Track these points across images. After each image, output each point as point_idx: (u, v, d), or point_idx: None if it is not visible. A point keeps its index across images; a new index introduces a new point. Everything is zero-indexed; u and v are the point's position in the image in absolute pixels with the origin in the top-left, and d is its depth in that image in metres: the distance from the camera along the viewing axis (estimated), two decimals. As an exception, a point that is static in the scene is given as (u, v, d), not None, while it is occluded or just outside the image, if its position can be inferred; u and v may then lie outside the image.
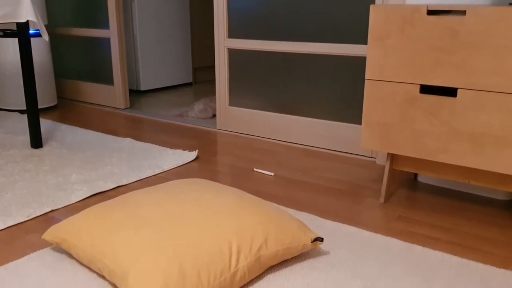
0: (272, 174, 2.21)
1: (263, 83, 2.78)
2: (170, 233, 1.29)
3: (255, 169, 2.27)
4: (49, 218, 1.75)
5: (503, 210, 1.84)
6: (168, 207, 1.42)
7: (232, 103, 2.93)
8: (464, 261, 1.45)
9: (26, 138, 2.73)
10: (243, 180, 2.15)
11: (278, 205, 1.85)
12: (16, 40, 3.27)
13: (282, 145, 2.69)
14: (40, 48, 3.35)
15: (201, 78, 4.78)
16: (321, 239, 1.41)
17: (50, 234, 1.46)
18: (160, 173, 2.22)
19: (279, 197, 1.96)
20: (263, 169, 2.27)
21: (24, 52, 2.41)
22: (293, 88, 2.67)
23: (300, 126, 2.66)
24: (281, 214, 1.45)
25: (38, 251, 1.49)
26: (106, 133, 2.88)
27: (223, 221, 1.35)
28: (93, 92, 3.75)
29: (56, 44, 3.95)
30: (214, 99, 3.48)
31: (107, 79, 3.63)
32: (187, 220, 1.35)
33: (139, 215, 1.39)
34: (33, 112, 2.50)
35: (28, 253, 1.50)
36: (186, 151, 2.51)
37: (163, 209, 1.41)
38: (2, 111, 3.38)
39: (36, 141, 2.54)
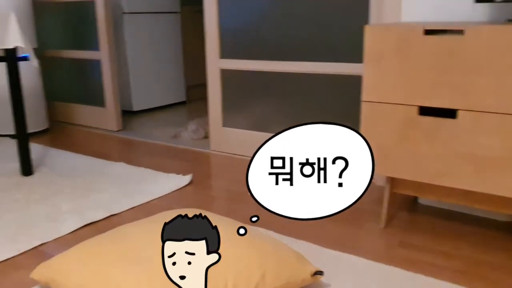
0: (269, 198, 2.15)
1: (257, 103, 2.74)
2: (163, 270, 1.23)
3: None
4: (38, 253, 1.69)
5: (507, 232, 1.79)
6: (161, 242, 1.36)
7: (225, 123, 2.88)
8: (470, 290, 1.40)
9: (16, 164, 2.66)
10: (239, 204, 2.09)
11: (275, 233, 1.80)
12: (4, 64, 3.21)
13: (278, 166, 2.63)
14: (29, 71, 3.29)
15: (195, 96, 4.73)
16: (321, 273, 1.36)
17: (38, 273, 1.40)
18: (154, 199, 2.16)
19: (276, 223, 1.90)
20: (259, 193, 2.22)
21: (12, 78, 2.37)
22: (287, 107, 2.62)
23: (296, 146, 2.61)
24: (278, 246, 1.40)
25: (26, 291, 1.43)
26: (98, 157, 2.82)
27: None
28: (85, 114, 3.69)
29: (47, 66, 3.90)
30: (207, 120, 3.43)
31: (99, 101, 3.58)
32: (181, 256, 1.29)
33: (130, 251, 1.33)
34: (22, 140, 2.45)
35: (16, 293, 1.44)
36: (180, 175, 2.45)
37: (156, 244, 1.35)
38: (-8, 136, 3.32)
39: (26, 169, 2.48)
